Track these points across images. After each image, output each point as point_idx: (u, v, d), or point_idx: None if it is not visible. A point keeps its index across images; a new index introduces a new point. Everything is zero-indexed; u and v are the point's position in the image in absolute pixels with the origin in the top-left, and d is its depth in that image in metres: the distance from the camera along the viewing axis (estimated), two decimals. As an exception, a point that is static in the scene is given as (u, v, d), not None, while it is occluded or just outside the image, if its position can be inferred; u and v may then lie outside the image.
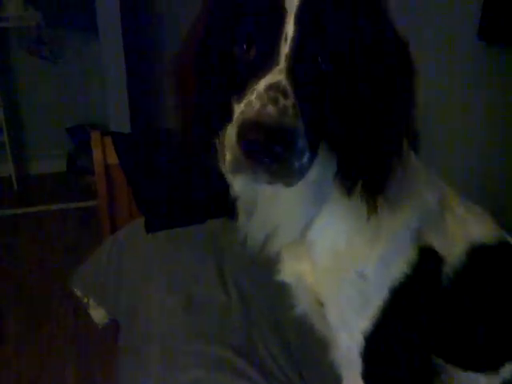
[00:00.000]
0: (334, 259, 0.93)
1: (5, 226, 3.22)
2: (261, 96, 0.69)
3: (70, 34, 3.54)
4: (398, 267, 0.91)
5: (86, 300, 1.99)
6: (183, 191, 1.92)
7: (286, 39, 0.73)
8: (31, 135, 3.89)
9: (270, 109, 0.68)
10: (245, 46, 0.77)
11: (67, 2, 3.26)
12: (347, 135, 0.80)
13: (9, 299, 2.56)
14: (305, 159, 0.72)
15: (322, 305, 0.97)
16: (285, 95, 0.69)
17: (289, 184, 0.74)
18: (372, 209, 0.84)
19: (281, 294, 1.10)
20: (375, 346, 0.94)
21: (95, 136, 1.94)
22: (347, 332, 0.95)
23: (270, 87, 0.69)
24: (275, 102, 0.68)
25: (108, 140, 1.96)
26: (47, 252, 2.94)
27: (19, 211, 3.38)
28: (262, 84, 0.70)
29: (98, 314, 1.98)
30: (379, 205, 0.84)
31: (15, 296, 2.58)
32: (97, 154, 1.89)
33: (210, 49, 0.82)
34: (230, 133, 0.72)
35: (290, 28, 0.73)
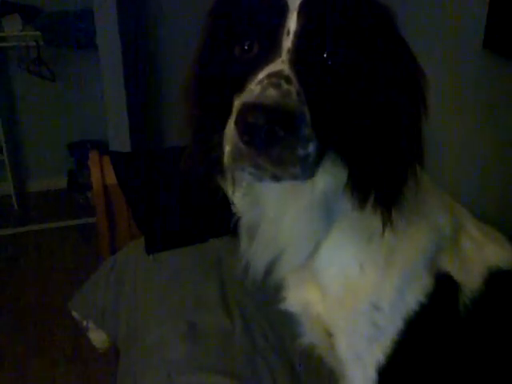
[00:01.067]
0: (346, 289, 0.88)
1: (5, 244, 3.18)
2: (261, 82, 0.65)
3: (70, 53, 3.53)
4: (414, 296, 0.86)
5: (84, 323, 1.94)
6: (184, 210, 1.87)
7: (288, 34, 0.70)
8: (31, 153, 3.88)
9: (272, 91, 0.63)
10: (246, 45, 0.74)
11: (66, 21, 3.25)
12: (357, 141, 0.75)
13: (8, 320, 2.50)
14: (310, 148, 0.66)
15: (330, 335, 0.92)
16: (288, 81, 0.65)
17: (295, 176, 0.67)
18: (386, 222, 0.78)
19: (287, 320, 1.05)
20: (389, 380, 0.88)
21: (93, 156, 1.90)
22: (359, 365, 0.90)
23: (271, 74, 0.66)
24: (277, 86, 0.64)
25: (107, 159, 1.92)
26: (48, 271, 2.90)
27: (20, 230, 3.35)
28: (264, 73, 0.67)
29: (99, 338, 1.93)
30: (394, 218, 0.78)
31: (14, 317, 2.53)
32: (95, 174, 1.85)
33: (214, 53, 0.80)
34: (230, 125, 0.67)
35: (292, 23, 0.71)
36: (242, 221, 0.93)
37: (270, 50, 0.70)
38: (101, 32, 3.10)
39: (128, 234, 2.02)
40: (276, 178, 0.67)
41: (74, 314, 1.96)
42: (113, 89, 3.22)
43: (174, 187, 1.84)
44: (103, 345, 1.94)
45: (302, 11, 0.71)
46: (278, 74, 0.66)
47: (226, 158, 0.68)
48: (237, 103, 0.68)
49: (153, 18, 3.69)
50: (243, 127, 0.63)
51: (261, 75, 0.67)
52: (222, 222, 1.79)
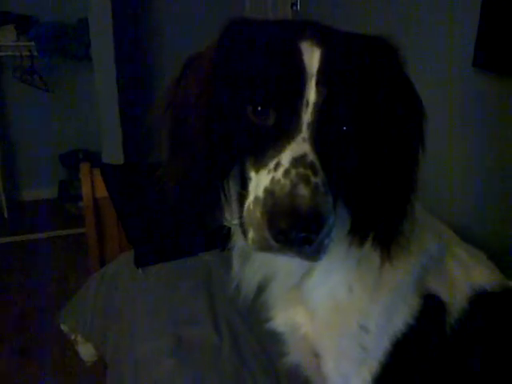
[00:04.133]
0: (334, 311, 0.88)
1: (-5, 253, 3.17)
2: (289, 173, 0.64)
3: (64, 63, 3.54)
4: (401, 317, 0.87)
5: (73, 336, 1.92)
6: (174, 223, 1.87)
7: (307, 105, 0.69)
8: (23, 162, 3.88)
9: (302, 190, 0.63)
10: (259, 108, 0.72)
11: (60, 31, 3.26)
12: (362, 192, 0.77)
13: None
14: (333, 234, 0.68)
15: (317, 356, 0.92)
16: (314, 171, 0.65)
17: (316, 260, 0.70)
18: (386, 258, 0.81)
19: (275, 337, 1.05)
20: None
21: (84, 168, 1.90)
22: None
23: (297, 161, 0.65)
24: (306, 181, 0.64)
25: (98, 172, 1.92)
26: (37, 281, 2.88)
27: (10, 239, 3.34)
28: (287, 157, 0.66)
29: (87, 351, 1.91)
30: (393, 253, 0.81)
31: (1, 327, 2.51)
32: (85, 187, 1.85)
33: (220, 103, 0.76)
34: (253, 209, 0.67)
35: (311, 93, 0.69)
36: (235, 242, 0.93)
37: (289, 121, 0.69)
38: (95, 43, 3.12)
39: (118, 246, 2.02)
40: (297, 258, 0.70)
41: (63, 327, 1.95)
42: (106, 100, 3.24)
43: (164, 201, 1.84)
44: (92, 358, 1.92)
45: (321, 80, 0.69)
46: (303, 161, 0.66)
47: (251, 244, 0.68)
48: (264, 193, 0.66)
49: (150, 30, 3.71)
50: (277, 230, 0.63)
51: (285, 161, 0.66)
52: (212, 236, 1.80)
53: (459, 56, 1.95)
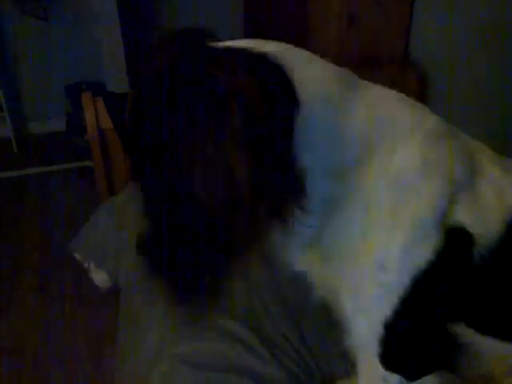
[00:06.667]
0: (350, 252, 0.85)
1: (5, 188, 3.21)
2: None
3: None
4: (422, 254, 0.82)
5: (86, 264, 1.97)
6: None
7: None
8: (29, 96, 3.82)
9: None
10: None
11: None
12: None
13: (9, 262, 2.55)
14: None
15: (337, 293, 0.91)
16: None
17: None
18: None
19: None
20: (396, 332, 0.86)
21: (86, 97, 1.85)
22: (365, 319, 0.88)
23: None
24: None
25: (101, 101, 1.88)
26: (49, 213, 2.93)
27: (20, 173, 3.36)
28: None
29: (100, 278, 1.96)
30: None
31: (16, 259, 2.58)
32: (89, 117, 1.82)
33: None
34: None
35: None
36: None
37: None
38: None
39: (125, 176, 2.02)
40: None
41: (76, 255, 1.99)
42: (108, 27, 3.12)
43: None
44: (105, 285, 1.97)
45: None
46: None
47: None
48: None
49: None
50: None
51: None
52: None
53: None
